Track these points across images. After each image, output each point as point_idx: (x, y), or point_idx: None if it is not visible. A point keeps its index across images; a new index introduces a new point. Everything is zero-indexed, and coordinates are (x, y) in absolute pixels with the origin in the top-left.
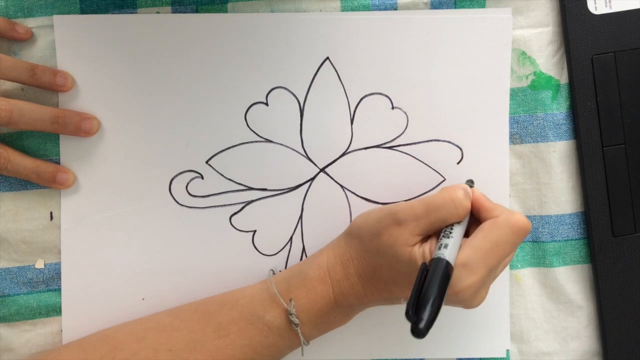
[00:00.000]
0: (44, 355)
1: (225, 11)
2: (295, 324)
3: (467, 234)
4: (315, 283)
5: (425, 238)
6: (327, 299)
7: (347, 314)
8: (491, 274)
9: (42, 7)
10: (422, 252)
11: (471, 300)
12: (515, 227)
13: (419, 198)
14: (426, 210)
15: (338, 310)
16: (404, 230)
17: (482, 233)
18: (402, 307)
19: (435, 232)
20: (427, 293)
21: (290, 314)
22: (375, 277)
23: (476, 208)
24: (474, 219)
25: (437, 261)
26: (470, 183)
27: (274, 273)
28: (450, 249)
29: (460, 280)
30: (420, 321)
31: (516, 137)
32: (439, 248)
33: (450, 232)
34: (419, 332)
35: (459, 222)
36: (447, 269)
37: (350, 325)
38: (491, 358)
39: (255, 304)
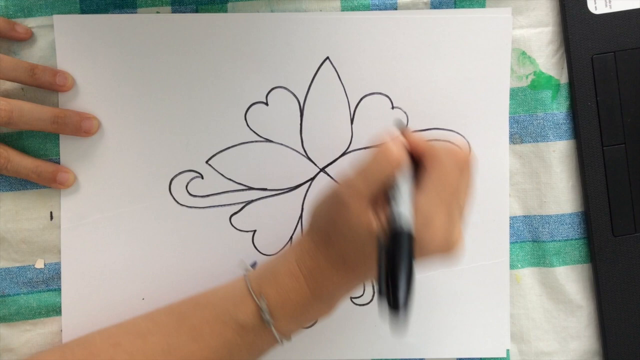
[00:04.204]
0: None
1: (225, 11)
2: (268, 322)
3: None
4: (286, 278)
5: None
6: (302, 292)
7: (329, 304)
8: (451, 211)
9: (42, 7)
10: (376, 217)
11: (448, 245)
12: (454, 160)
13: (356, 168)
14: (365, 182)
15: (318, 301)
16: (352, 209)
17: (424, 182)
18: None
19: (383, 189)
20: (395, 270)
21: (262, 312)
22: (348, 260)
23: (414, 151)
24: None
25: (394, 236)
26: (399, 123)
27: (252, 267)
28: (403, 210)
29: (424, 236)
30: (397, 300)
31: (516, 137)
32: (392, 215)
33: (397, 192)
34: (397, 310)
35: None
36: (407, 238)
37: (350, 325)
38: (491, 358)
39: (228, 304)
